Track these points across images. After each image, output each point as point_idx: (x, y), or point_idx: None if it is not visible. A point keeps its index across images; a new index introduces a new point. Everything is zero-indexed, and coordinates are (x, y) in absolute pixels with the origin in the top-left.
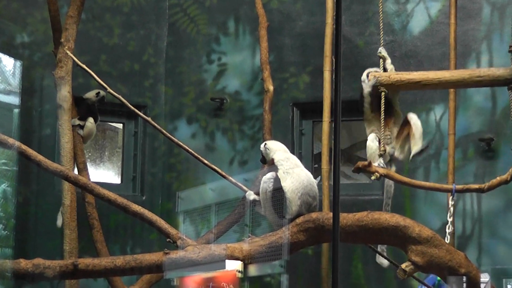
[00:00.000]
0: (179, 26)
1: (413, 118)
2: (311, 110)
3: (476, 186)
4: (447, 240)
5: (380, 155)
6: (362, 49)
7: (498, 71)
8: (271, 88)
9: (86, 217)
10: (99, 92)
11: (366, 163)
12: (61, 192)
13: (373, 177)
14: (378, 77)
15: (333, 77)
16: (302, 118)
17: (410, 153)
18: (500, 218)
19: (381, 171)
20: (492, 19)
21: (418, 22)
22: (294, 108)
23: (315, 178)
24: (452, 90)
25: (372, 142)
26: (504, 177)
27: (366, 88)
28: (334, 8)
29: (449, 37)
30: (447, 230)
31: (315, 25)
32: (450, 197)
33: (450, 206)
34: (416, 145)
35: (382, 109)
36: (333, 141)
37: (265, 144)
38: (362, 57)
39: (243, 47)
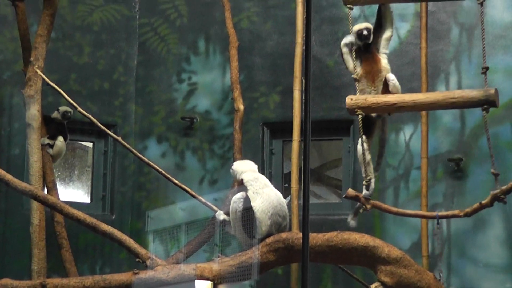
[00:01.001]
0: (149, 45)
1: (390, 78)
2: (281, 129)
3: (458, 212)
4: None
5: (365, 186)
6: (332, 69)
7: (471, 93)
8: (241, 107)
9: (55, 236)
10: (65, 110)
11: (353, 194)
12: (30, 211)
13: (361, 210)
14: (355, 99)
15: (303, 97)
16: (272, 138)
17: None
18: (469, 238)
19: (368, 205)
20: (460, 40)
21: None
22: (264, 128)
23: (285, 197)
24: (424, 113)
25: (360, 145)
26: (485, 201)
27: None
28: (304, 29)
29: (420, 59)
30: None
31: (285, 44)
32: (436, 226)
33: (435, 235)
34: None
35: (360, 125)
36: (302, 161)
37: (232, 165)
38: (332, 77)
39: (213, 66)
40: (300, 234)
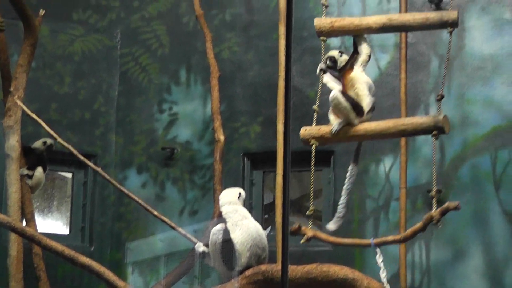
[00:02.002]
0: (130, 75)
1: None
2: (262, 160)
3: (392, 237)
4: None
5: (308, 216)
6: (313, 100)
7: (421, 120)
8: (222, 138)
9: (33, 268)
10: (46, 141)
11: (296, 227)
12: (7, 242)
13: (302, 241)
14: (308, 130)
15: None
16: (252, 168)
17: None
18: (448, 269)
19: (310, 233)
20: (440, 71)
21: (368, 73)
22: (245, 158)
23: (264, 229)
24: (403, 143)
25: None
26: (418, 225)
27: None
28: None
29: (399, 90)
30: None
31: (267, 75)
32: (378, 254)
33: (379, 263)
34: (364, 102)
35: (313, 155)
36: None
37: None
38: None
39: (194, 96)
40: (280, 266)
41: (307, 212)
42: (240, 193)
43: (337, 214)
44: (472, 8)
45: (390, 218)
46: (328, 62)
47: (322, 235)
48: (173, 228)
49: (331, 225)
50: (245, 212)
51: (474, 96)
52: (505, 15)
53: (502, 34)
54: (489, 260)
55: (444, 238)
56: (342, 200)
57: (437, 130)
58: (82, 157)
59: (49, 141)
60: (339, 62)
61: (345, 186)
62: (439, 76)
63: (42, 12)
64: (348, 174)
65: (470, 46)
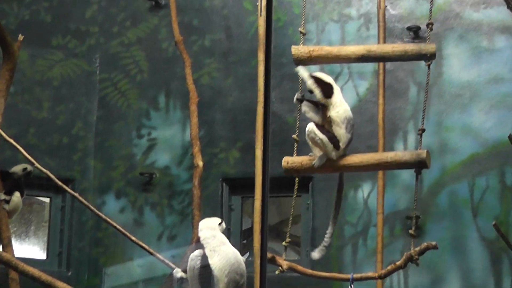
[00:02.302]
0: (109, 100)
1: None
2: (241, 185)
3: (372, 274)
4: None
5: (285, 247)
6: (292, 126)
7: (404, 156)
8: (200, 163)
9: None
10: (26, 168)
11: (269, 257)
12: None
13: (277, 272)
14: (290, 162)
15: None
16: (231, 194)
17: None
18: None
19: (285, 265)
20: (418, 98)
21: (347, 100)
22: (224, 184)
23: (243, 254)
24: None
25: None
26: (398, 263)
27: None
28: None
29: (377, 116)
30: None
31: (246, 100)
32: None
33: None
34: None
35: (296, 186)
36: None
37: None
38: (292, 133)
39: (173, 122)
40: None
41: (283, 243)
42: (221, 222)
43: (322, 243)
44: (450, 36)
45: (368, 244)
46: (304, 94)
47: (299, 267)
48: (151, 253)
49: (316, 254)
50: (223, 238)
51: (452, 124)
52: (483, 43)
53: (480, 62)
54: (467, 286)
55: (422, 264)
56: (329, 230)
57: (419, 166)
58: (59, 182)
59: (29, 167)
60: (312, 95)
61: (332, 215)
62: (418, 103)
63: (21, 37)
64: (334, 203)
65: (448, 74)
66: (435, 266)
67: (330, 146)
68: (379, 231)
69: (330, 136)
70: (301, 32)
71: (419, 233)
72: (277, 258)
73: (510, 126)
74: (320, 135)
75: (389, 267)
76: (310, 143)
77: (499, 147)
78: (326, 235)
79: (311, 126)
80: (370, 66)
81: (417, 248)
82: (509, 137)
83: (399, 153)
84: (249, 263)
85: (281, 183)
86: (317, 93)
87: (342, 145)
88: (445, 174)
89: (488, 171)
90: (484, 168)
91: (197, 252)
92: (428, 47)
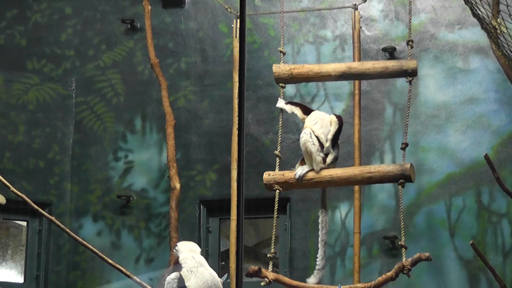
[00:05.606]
0: (85, 124)
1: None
2: (218, 207)
3: (362, 285)
4: None
5: (271, 258)
6: (268, 148)
7: (388, 168)
8: (177, 185)
9: None
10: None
11: (256, 268)
12: None
13: (262, 283)
14: (272, 175)
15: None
16: (209, 216)
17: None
18: None
19: (271, 276)
20: (394, 119)
21: None
22: (201, 206)
23: (221, 276)
24: (357, 189)
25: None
26: (389, 274)
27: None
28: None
29: (353, 137)
30: None
31: (222, 123)
32: None
33: None
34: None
35: (276, 200)
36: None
37: (176, 245)
38: (268, 155)
39: (150, 144)
40: None
41: (268, 255)
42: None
43: (316, 267)
44: (426, 57)
45: (346, 265)
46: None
47: (286, 279)
48: (129, 276)
49: (312, 279)
50: (201, 259)
51: (428, 144)
52: (458, 64)
53: (455, 82)
54: None
55: (400, 285)
56: (320, 252)
57: (404, 178)
58: (36, 206)
59: (2, 200)
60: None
61: (320, 238)
62: (394, 123)
63: None
64: (320, 225)
65: (424, 95)
66: (413, 287)
67: (320, 156)
68: (355, 251)
69: (321, 145)
70: (280, 51)
71: (396, 253)
72: (263, 270)
73: (485, 146)
74: (315, 141)
75: (379, 278)
76: (302, 148)
77: (475, 167)
78: (318, 258)
79: (307, 131)
80: (346, 87)
81: (410, 259)
82: (485, 157)
83: (383, 166)
84: (227, 285)
85: (259, 205)
86: (298, 112)
87: (328, 161)
88: (422, 194)
89: (465, 191)
90: (461, 188)
91: (174, 275)
92: (409, 63)
